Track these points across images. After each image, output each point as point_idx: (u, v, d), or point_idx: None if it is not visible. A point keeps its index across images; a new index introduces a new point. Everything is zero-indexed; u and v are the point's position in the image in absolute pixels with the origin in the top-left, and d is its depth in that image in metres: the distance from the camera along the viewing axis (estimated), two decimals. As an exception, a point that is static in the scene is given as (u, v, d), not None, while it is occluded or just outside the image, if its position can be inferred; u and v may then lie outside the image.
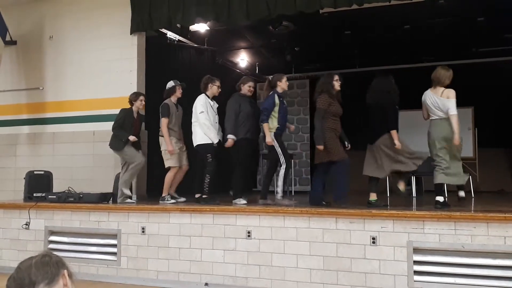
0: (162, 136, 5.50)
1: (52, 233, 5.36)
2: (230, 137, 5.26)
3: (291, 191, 8.40)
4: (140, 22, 6.23)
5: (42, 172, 5.96)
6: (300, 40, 8.43)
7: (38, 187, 5.78)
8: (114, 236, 5.02)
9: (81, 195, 5.39)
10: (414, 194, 7.16)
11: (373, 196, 4.73)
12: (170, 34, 7.33)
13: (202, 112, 5.31)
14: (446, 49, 8.69)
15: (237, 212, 4.57)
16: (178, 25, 6.41)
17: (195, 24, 6.48)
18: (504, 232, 3.71)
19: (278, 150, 5.07)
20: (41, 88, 6.78)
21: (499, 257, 3.72)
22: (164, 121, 5.44)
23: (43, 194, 5.64)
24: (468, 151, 9.17)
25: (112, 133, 5.49)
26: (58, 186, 5.96)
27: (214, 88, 5.52)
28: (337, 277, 4.12)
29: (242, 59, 9.70)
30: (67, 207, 5.29)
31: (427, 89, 4.83)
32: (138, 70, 6.29)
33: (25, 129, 6.84)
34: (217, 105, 5.66)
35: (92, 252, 5.11)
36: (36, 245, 5.31)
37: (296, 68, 10.36)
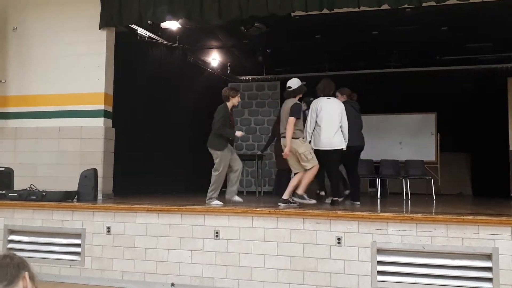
0: (296, 138, 5.05)
1: (12, 232, 5.17)
2: None
3: (260, 192, 8.46)
4: (110, 17, 6.10)
5: (3, 169, 5.73)
6: (272, 42, 8.50)
7: (-2, 184, 5.56)
8: (78, 235, 4.90)
9: (44, 193, 5.22)
10: (378, 196, 7.37)
11: None
12: (140, 31, 7.21)
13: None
14: (411, 56, 8.99)
15: (206, 212, 4.56)
16: (149, 22, 6.32)
17: (166, 21, 6.40)
18: (462, 234, 3.87)
19: None
20: (3, 81, 6.51)
21: (457, 258, 3.88)
22: (292, 120, 4.97)
23: (3, 192, 5.42)
24: (430, 155, 9.53)
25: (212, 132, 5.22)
26: (20, 183, 5.74)
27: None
28: (303, 277, 4.18)
29: (214, 58, 9.67)
30: (29, 205, 5.11)
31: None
32: (106, 66, 6.15)
33: (-15, 123, 6.56)
34: None
35: (54, 252, 4.96)
36: (-6, 244, 5.11)
37: (268, 69, 10.45)
